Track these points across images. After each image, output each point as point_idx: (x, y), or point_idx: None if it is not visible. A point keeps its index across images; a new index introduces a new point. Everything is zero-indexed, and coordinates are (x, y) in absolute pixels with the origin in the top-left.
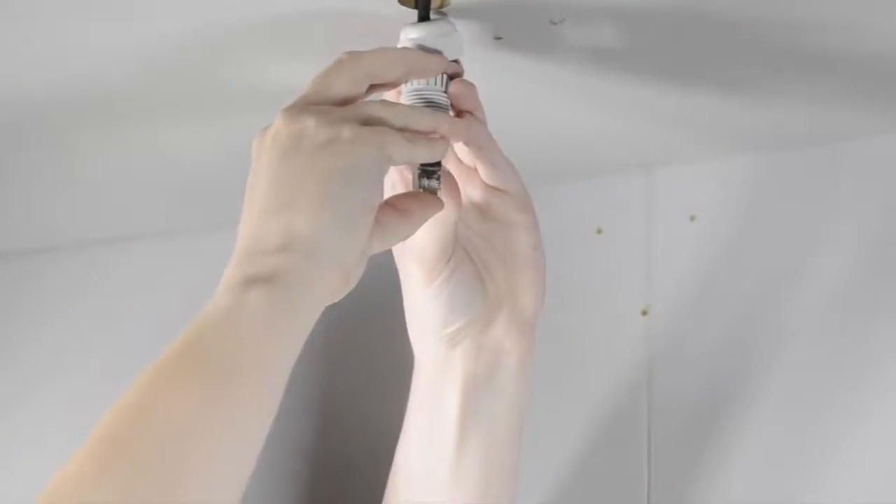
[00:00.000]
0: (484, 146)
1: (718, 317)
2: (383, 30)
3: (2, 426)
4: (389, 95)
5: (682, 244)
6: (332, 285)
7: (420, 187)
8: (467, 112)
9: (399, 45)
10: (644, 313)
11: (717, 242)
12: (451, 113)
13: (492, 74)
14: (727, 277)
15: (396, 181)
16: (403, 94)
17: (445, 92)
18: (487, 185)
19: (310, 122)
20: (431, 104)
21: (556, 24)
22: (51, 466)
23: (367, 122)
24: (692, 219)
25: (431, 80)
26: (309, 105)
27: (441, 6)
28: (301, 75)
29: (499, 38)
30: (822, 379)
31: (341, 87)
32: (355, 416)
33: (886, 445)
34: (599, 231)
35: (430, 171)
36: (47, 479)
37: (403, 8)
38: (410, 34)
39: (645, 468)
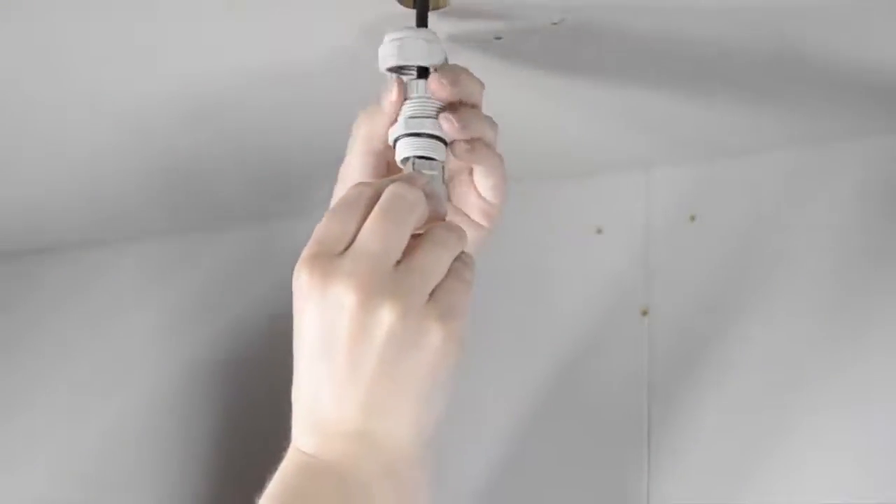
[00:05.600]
0: (490, 165)
1: (718, 317)
2: (383, 30)
3: (2, 426)
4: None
5: (682, 244)
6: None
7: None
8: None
9: (381, 48)
10: (644, 313)
11: (717, 242)
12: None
13: (492, 74)
14: (727, 277)
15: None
16: (401, 120)
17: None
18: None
19: (389, 317)
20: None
21: (556, 24)
22: (50, 467)
23: (447, 313)
24: (692, 219)
25: (424, 104)
26: (378, 279)
27: (441, 6)
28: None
29: (499, 39)
30: (823, 379)
31: (398, 245)
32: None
33: (887, 438)
34: (599, 231)
35: (429, 160)
36: (47, 479)
37: (403, 8)
38: (393, 35)
39: (645, 468)
